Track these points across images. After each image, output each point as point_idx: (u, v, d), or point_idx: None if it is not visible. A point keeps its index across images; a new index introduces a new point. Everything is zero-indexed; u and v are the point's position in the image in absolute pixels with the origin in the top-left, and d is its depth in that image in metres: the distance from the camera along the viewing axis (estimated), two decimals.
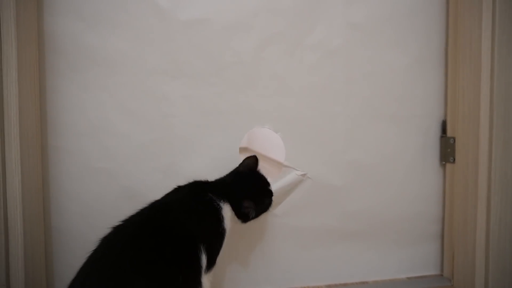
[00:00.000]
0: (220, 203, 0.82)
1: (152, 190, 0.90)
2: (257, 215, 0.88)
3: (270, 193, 0.92)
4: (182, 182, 0.88)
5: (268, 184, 0.92)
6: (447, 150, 1.09)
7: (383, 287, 1.09)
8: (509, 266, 0.99)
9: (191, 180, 0.89)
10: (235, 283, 1.05)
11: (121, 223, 0.74)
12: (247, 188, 0.88)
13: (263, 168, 0.95)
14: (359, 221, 1.10)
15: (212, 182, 0.89)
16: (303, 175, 1.05)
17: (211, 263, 0.78)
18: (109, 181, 0.98)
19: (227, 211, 0.84)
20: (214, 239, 0.80)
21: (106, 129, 0.98)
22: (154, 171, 1.00)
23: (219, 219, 0.81)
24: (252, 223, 0.90)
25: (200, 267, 0.73)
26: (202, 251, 0.73)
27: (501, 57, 0.96)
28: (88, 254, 0.69)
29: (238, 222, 0.87)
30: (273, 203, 0.93)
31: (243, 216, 0.87)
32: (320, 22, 1.04)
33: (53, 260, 0.97)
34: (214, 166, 0.96)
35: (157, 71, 0.98)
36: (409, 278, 1.13)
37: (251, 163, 0.93)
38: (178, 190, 0.85)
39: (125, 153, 0.99)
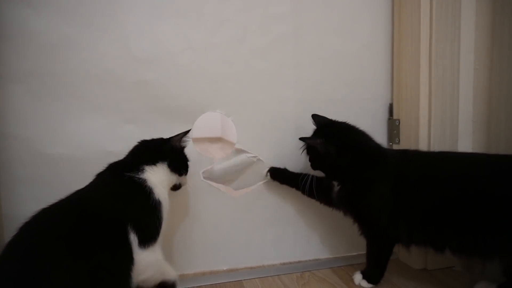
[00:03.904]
0: (142, 175, 0.83)
1: None
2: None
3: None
4: None
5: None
6: (393, 131, 1.15)
7: (335, 262, 1.15)
8: None
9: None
10: (190, 263, 1.08)
11: (41, 209, 0.72)
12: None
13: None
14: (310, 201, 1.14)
15: (127, 159, 0.90)
16: (254, 157, 1.08)
17: (149, 238, 0.78)
18: (62, 166, 0.98)
19: (153, 177, 0.84)
20: (146, 214, 0.80)
21: (57, 115, 0.97)
22: (108, 156, 1.00)
23: (146, 192, 0.81)
24: (204, 203, 0.94)
25: (128, 245, 0.73)
26: (130, 230, 0.74)
27: (438, 43, 1.01)
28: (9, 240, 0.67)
29: (175, 177, 0.91)
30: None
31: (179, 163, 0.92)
32: (269, 8, 1.06)
33: None
34: None
35: (108, 57, 0.98)
36: (360, 254, 1.19)
37: None
38: (98, 176, 0.85)
39: (78, 139, 0.99)
